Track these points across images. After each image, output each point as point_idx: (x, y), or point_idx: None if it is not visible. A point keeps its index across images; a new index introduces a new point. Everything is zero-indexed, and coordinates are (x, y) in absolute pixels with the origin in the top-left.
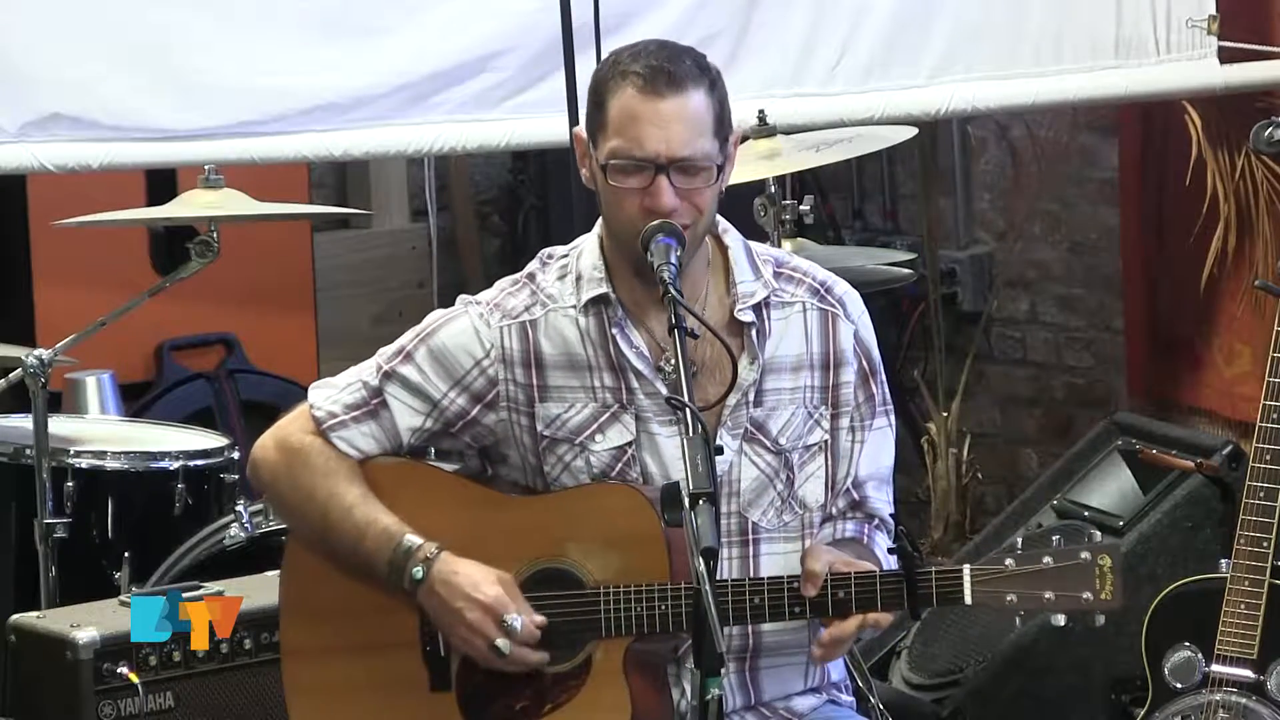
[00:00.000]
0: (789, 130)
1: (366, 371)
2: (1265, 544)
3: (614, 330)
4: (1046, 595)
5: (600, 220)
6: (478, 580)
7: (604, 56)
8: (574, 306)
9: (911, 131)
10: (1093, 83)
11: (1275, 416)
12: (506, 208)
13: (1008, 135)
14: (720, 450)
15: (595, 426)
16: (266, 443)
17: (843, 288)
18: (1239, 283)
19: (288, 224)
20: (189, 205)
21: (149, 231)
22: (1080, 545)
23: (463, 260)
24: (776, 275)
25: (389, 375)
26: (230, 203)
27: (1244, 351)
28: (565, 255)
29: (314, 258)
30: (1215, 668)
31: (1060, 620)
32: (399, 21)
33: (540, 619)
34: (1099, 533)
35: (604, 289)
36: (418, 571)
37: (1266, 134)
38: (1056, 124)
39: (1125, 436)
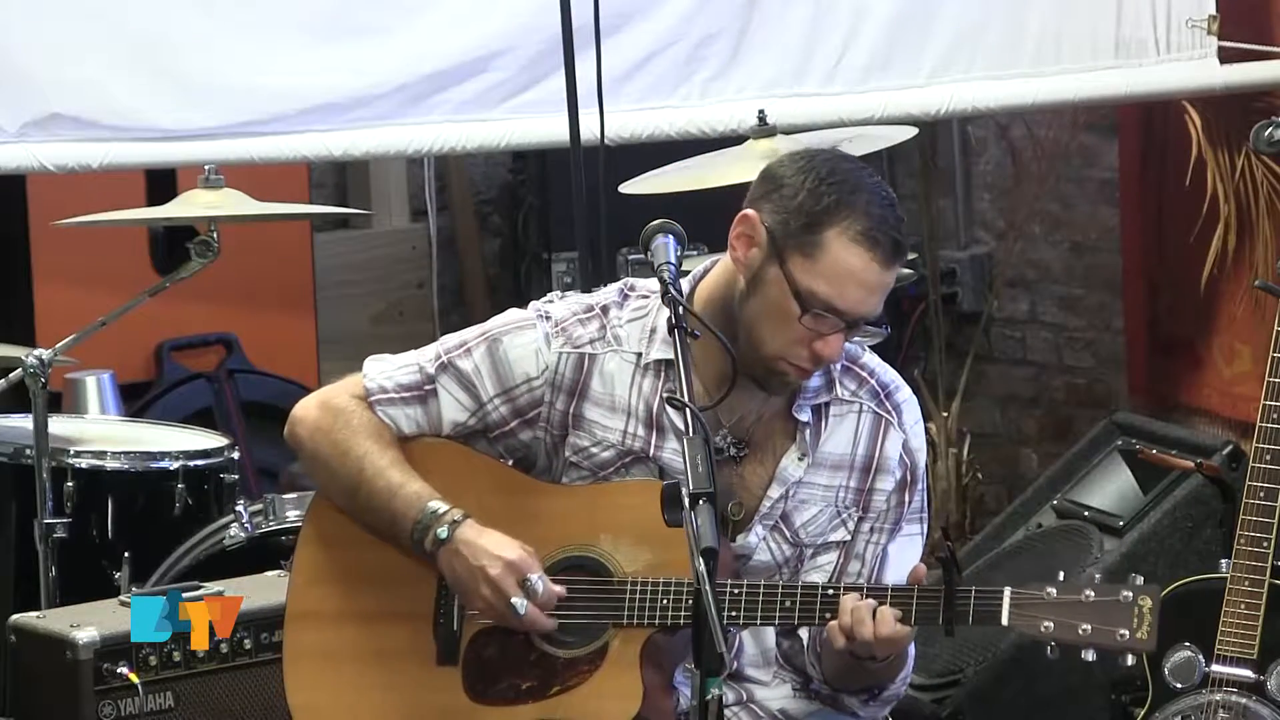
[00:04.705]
0: (789, 130)
1: (425, 357)
2: (1265, 544)
3: (664, 394)
4: (1083, 627)
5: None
6: (503, 543)
7: (812, 170)
8: (638, 354)
9: (911, 131)
10: (1093, 83)
11: (1275, 416)
12: (506, 208)
13: (1008, 135)
14: (720, 451)
15: (618, 465)
16: (309, 403)
17: (904, 394)
18: (1239, 283)
19: (288, 224)
20: (189, 205)
21: (149, 231)
22: (1123, 584)
23: (463, 260)
24: (844, 370)
25: (445, 366)
26: (230, 203)
27: (1244, 351)
28: (646, 299)
29: (314, 258)
30: (1215, 668)
31: (1090, 656)
32: (399, 22)
33: (560, 589)
34: (1141, 578)
35: (671, 355)
36: (443, 531)
37: (1266, 134)
38: (1056, 124)
39: (1125, 436)
